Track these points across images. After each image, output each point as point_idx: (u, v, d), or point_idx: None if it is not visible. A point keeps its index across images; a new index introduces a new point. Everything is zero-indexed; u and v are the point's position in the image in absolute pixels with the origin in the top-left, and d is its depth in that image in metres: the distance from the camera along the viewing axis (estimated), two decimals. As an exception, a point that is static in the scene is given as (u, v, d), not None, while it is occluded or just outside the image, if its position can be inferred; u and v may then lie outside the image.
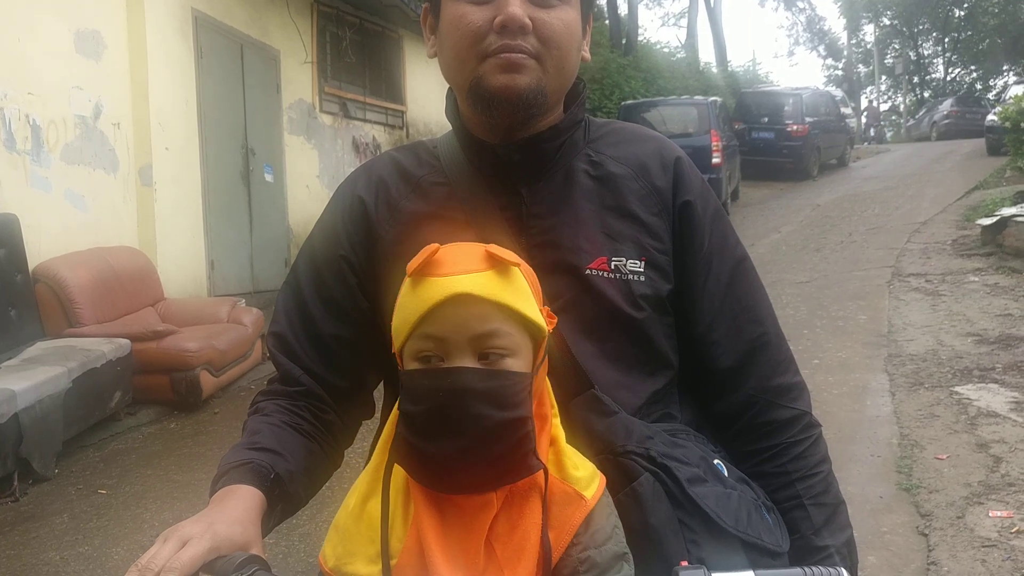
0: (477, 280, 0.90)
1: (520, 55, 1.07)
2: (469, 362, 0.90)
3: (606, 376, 1.10)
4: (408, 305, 0.93)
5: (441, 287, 0.90)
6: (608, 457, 1.03)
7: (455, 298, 0.90)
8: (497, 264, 0.92)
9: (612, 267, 1.13)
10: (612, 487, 0.99)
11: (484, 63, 1.08)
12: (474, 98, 1.11)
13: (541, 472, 0.91)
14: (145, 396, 5.39)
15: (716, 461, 1.10)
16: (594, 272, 1.12)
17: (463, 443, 0.89)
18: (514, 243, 1.10)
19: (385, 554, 0.91)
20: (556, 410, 1.00)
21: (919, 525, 3.44)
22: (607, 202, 1.16)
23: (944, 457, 4.09)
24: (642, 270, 1.14)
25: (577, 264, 1.12)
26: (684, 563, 0.85)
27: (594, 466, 0.97)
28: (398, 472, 0.95)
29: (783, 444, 1.17)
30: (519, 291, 0.93)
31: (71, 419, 4.56)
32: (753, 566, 0.94)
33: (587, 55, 1.20)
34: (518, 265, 0.93)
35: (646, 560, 0.96)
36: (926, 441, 4.32)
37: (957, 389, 5.08)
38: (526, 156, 1.14)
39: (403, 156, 1.24)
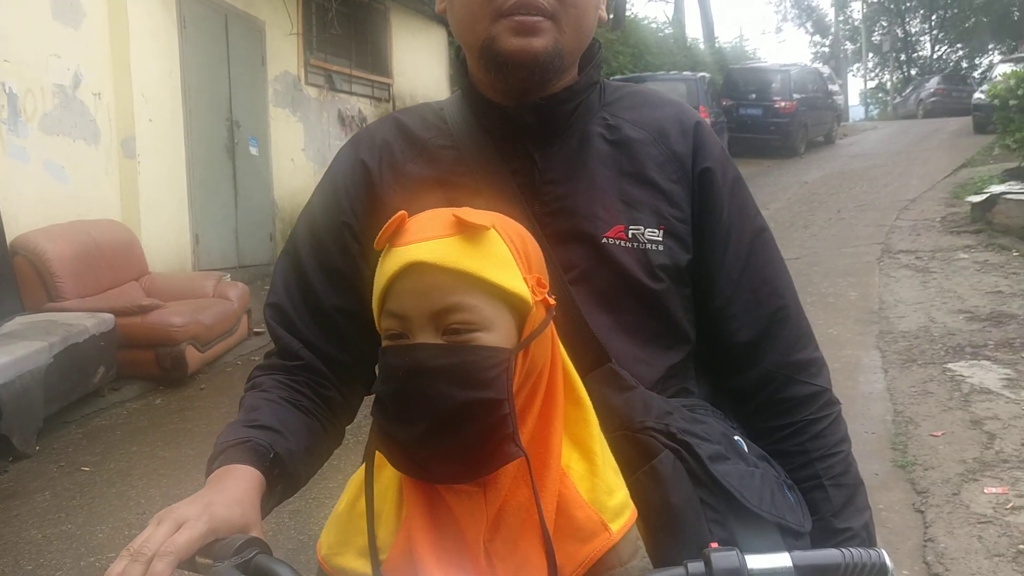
0: (435, 247, 0.81)
1: (536, 18, 1.00)
2: (431, 339, 0.81)
3: (623, 349, 1.05)
4: (376, 280, 0.85)
5: (398, 257, 0.82)
6: (626, 433, 0.98)
7: (410, 268, 0.81)
8: (465, 229, 0.82)
9: (629, 236, 1.07)
10: (630, 465, 0.93)
11: (498, 23, 1.01)
12: (486, 59, 1.04)
13: (532, 493, 0.81)
14: (129, 371, 5.31)
15: (737, 438, 1.05)
16: (611, 241, 1.06)
17: (424, 426, 0.80)
18: (526, 210, 1.05)
19: (373, 548, 0.84)
20: (588, 412, 0.90)
21: (915, 502, 3.44)
22: (624, 168, 1.10)
23: (939, 434, 4.08)
24: (660, 239, 1.08)
25: (593, 232, 1.06)
26: (714, 544, 0.79)
27: (627, 492, 0.88)
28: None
29: (803, 421, 1.13)
30: (490, 257, 0.82)
31: (52, 395, 4.48)
32: (778, 547, 0.89)
33: (604, 14, 1.13)
34: (490, 228, 0.83)
35: (667, 541, 0.92)
36: (920, 418, 4.31)
37: (950, 366, 5.07)
38: (540, 118, 1.08)
39: (407, 118, 1.17)
